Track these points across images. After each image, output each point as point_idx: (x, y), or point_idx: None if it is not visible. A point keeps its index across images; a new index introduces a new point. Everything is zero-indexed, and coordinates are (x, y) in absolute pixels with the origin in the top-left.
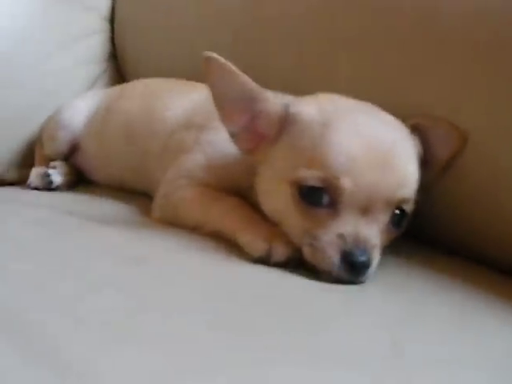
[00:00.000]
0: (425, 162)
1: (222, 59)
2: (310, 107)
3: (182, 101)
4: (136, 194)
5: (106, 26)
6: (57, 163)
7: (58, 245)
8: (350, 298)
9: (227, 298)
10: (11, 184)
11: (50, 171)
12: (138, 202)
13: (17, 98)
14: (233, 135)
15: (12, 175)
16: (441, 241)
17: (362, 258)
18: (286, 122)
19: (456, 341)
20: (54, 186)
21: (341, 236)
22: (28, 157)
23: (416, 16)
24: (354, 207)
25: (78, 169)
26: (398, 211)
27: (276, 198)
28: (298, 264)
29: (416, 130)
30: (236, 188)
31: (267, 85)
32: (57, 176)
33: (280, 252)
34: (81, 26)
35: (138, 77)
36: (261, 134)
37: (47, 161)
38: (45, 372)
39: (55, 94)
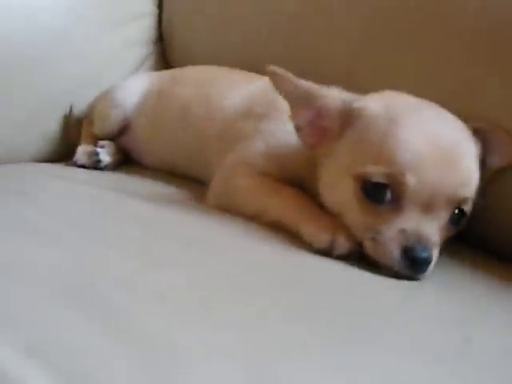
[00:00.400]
0: (483, 165)
1: (282, 70)
2: (375, 103)
3: (239, 90)
4: (187, 179)
5: (154, 9)
6: (105, 142)
7: (116, 223)
8: (409, 294)
9: (293, 287)
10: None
11: (99, 150)
12: (191, 187)
13: (66, 73)
14: (298, 129)
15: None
16: (491, 244)
17: (424, 255)
18: (350, 117)
19: None
20: (102, 165)
21: (403, 232)
22: (75, 134)
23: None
24: (417, 204)
25: (126, 150)
26: (457, 210)
27: (339, 192)
28: (359, 258)
29: (477, 132)
30: (295, 178)
31: None
32: (105, 155)
33: (343, 245)
34: (130, 8)
35: (183, 62)
36: (324, 129)
37: (94, 139)
38: (132, 348)
39: (103, 73)
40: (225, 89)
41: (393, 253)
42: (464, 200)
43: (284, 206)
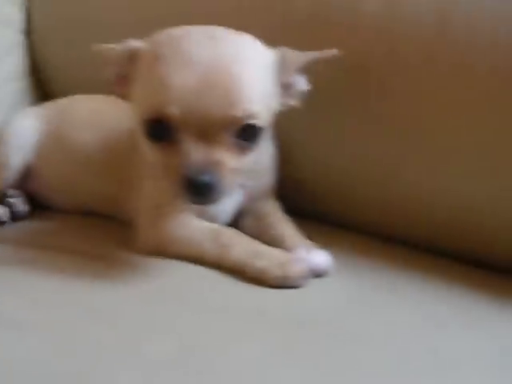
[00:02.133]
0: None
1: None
2: (147, 41)
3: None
4: (105, 220)
5: (22, 39)
6: (13, 191)
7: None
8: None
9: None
10: None
11: (13, 200)
12: (114, 231)
13: None
14: (109, 82)
15: None
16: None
17: (206, 179)
18: (134, 60)
19: None
20: (20, 215)
21: (180, 165)
22: None
23: None
24: (192, 134)
25: (30, 195)
26: (243, 126)
27: (141, 138)
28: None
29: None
30: None
31: None
32: (21, 204)
33: (296, 274)
34: (1, 43)
35: (62, 89)
36: (126, 78)
37: None
38: None
39: None
40: (116, 127)
41: (179, 188)
42: (241, 118)
43: (219, 246)
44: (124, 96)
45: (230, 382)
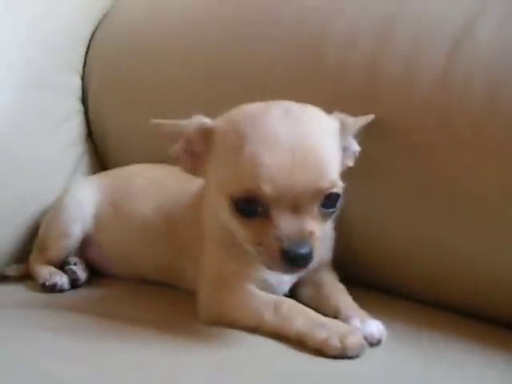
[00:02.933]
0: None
1: (158, 120)
2: (223, 119)
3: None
4: (164, 288)
5: (80, 106)
6: (74, 259)
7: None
8: None
9: None
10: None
11: (73, 267)
12: (173, 300)
13: (11, 191)
14: (177, 159)
15: (14, 270)
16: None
17: (301, 250)
18: (209, 138)
19: None
20: (79, 282)
21: (277, 238)
22: (24, 252)
23: None
24: (284, 208)
25: (89, 263)
26: (327, 195)
27: (221, 210)
28: None
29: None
30: None
31: None
32: (81, 272)
33: (355, 346)
34: (61, 110)
35: (119, 155)
36: (197, 154)
37: (50, 263)
38: None
39: (46, 183)
40: (176, 198)
41: (275, 260)
42: (326, 189)
43: (279, 318)
44: (193, 171)
45: None
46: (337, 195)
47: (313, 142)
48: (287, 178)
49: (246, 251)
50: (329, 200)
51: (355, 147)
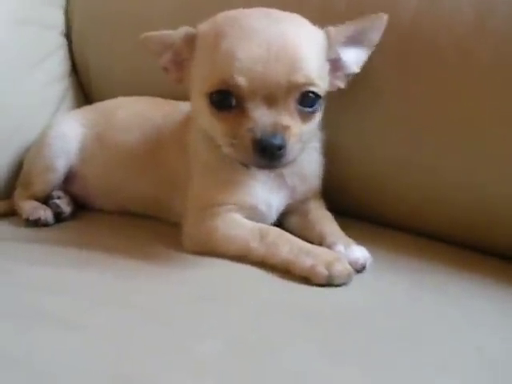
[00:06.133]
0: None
1: (147, 33)
2: (204, 24)
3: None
4: (147, 220)
5: (63, 41)
6: (58, 193)
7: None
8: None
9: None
10: None
11: (57, 201)
12: (158, 231)
13: None
14: (165, 70)
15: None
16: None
17: (273, 140)
18: (192, 43)
19: None
20: (64, 216)
21: (250, 129)
22: (8, 188)
23: None
24: (257, 100)
25: (73, 197)
26: (304, 93)
27: (202, 113)
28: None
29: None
30: None
31: None
32: (65, 205)
33: (341, 273)
34: (44, 45)
35: (102, 90)
36: (182, 62)
37: (34, 198)
38: None
39: (30, 118)
40: (160, 129)
41: (248, 152)
42: (301, 84)
43: (266, 246)
44: (180, 80)
45: (279, 380)
46: (315, 95)
47: (290, 38)
48: (261, 69)
49: (233, 176)
50: (306, 98)
51: (351, 68)
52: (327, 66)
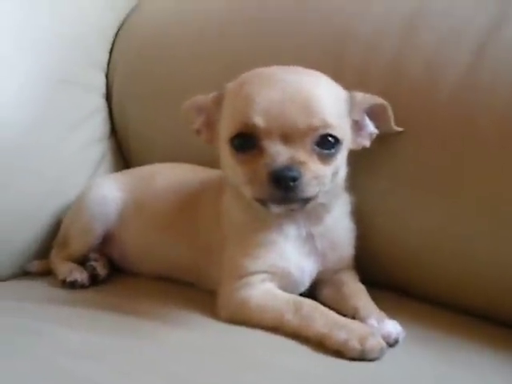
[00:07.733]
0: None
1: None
2: (232, 82)
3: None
4: (183, 286)
5: (104, 103)
6: (96, 255)
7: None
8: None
9: None
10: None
11: (94, 263)
12: (189, 296)
13: (32, 187)
14: (198, 132)
15: (35, 266)
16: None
17: (289, 172)
18: (221, 103)
19: None
20: (100, 278)
21: (266, 164)
22: (45, 248)
23: None
24: (274, 139)
25: (111, 259)
26: (323, 135)
27: (227, 161)
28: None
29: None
30: None
31: None
32: (101, 268)
33: (374, 348)
34: (85, 106)
35: (141, 153)
36: (213, 122)
37: (71, 259)
38: None
39: (69, 179)
40: (197, 195)
41: (262, 183)
42: (320, 127)
43: (300, 318)
44: (210, 141)
45: None
46: (335, 139)
47: (310, 88)
48: (277, 110)
49: (264, 236)
50: (325, 141)
51: (371, 128)
52: (349, 121)
